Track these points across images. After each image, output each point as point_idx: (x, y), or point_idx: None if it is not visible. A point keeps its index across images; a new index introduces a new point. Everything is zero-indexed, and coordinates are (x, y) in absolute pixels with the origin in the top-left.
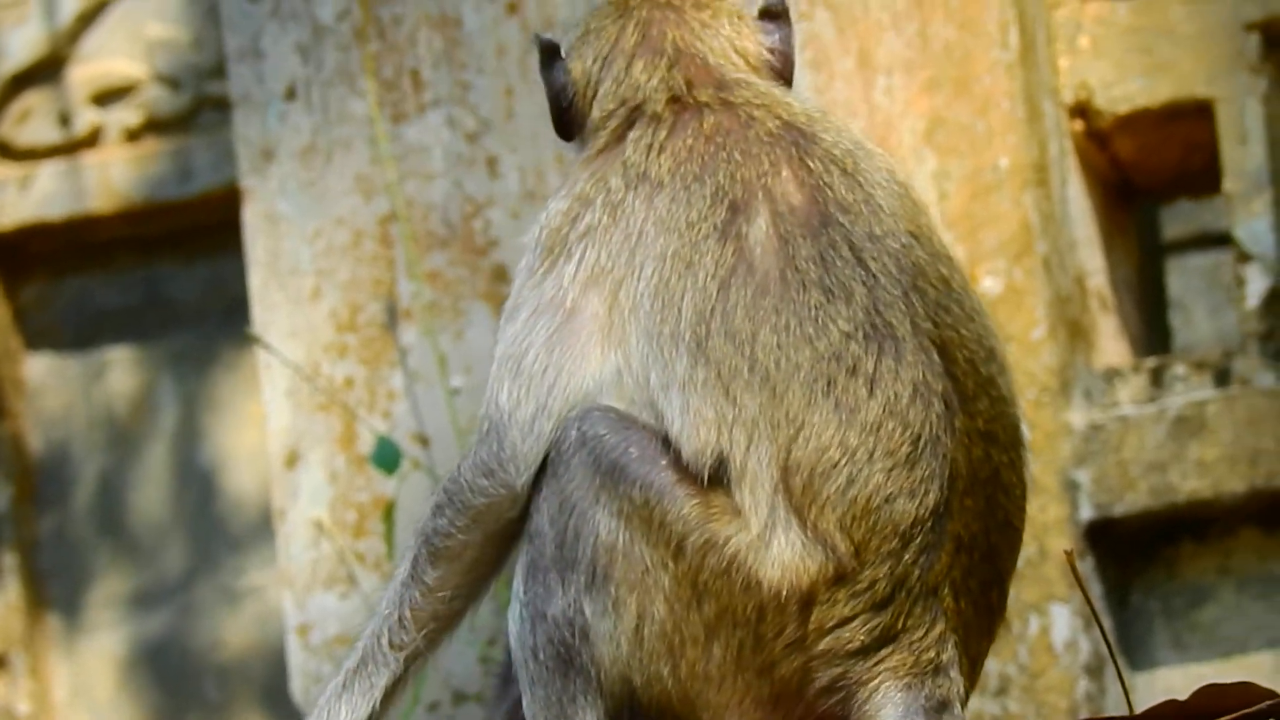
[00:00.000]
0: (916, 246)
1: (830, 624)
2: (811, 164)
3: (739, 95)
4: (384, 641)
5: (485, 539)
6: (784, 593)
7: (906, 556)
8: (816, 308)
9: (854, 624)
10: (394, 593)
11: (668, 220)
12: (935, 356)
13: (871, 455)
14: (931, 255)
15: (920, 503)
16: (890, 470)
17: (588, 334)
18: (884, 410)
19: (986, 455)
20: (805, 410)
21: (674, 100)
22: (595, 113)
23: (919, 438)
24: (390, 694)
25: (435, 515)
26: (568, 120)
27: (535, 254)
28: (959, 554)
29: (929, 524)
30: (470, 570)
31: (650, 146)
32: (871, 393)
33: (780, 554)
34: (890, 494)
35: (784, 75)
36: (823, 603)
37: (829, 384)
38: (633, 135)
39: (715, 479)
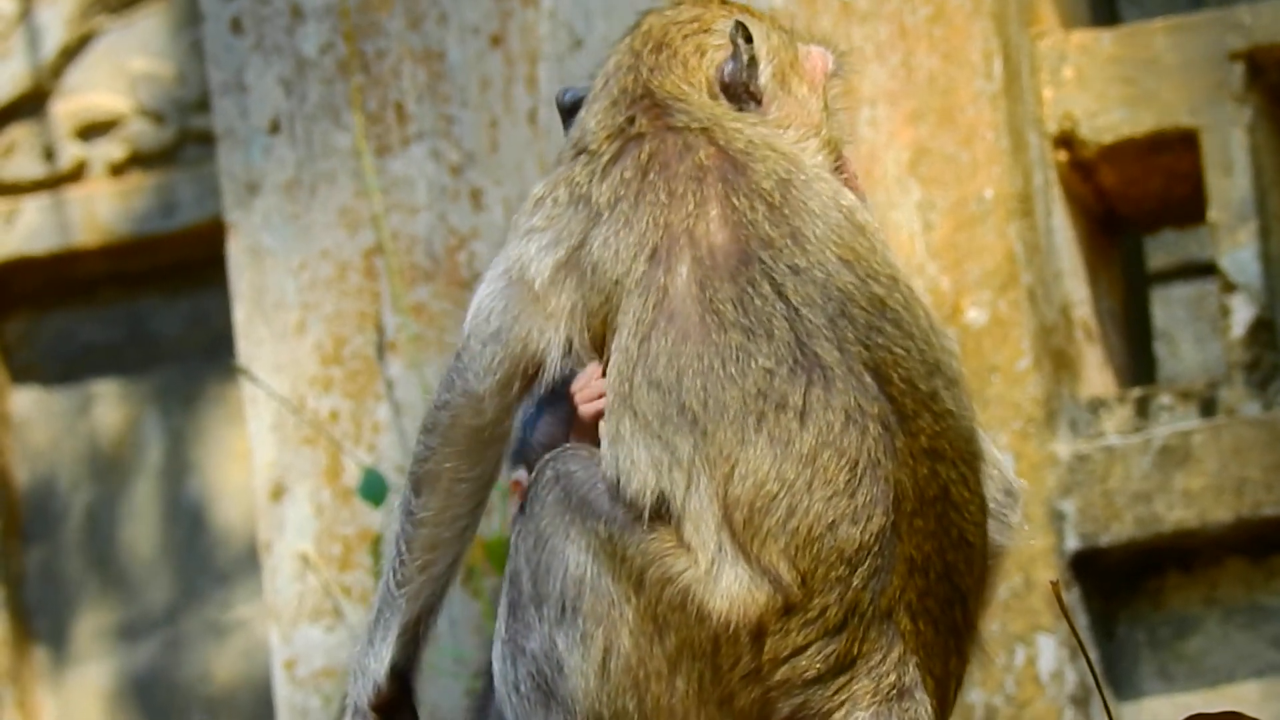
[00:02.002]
0: (845, 272)
1: (785, 653)
2: (737, 201)
3: (679, 120)
4: (390, 585)
5: (458, 455)
6: (734, 624)
7: (855, 582)
8: (737, 348)
9: (809, 652)
10: (392, 534)
11: (600, 265)
12: (868, 380)
13: (810, 486)
14: (864, 277)
15: (864, 528)
16: (830, 499)
17: (528, 297)
18: (818, 440)
19: (933, 473)
20: (739, 448)
21: (612, 137)
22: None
23: (856, 464)
24: (405, 634)
25: (416, 445)
26: None
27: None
28: (912, 575)
29: (875, 548)
30: (450, 492)
31: (594, 171)
32: (803, 425)
33: (728, 587)
34: (832, 521)
35: (738, 99)
36: (775, 633)
37: (759, 420)
38: (581, 160)
39: (666, 515)
